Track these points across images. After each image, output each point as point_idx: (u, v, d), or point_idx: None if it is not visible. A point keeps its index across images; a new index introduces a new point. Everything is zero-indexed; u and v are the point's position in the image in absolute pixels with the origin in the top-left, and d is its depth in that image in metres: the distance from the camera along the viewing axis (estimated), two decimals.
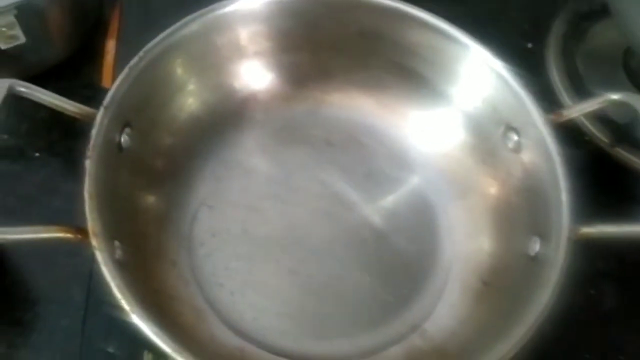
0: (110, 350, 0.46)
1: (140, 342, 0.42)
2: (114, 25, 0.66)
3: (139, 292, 0.39)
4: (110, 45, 0.65)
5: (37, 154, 0.56)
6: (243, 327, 0.45)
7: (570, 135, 0.47)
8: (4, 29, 0.55)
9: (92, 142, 0.41)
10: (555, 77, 0.60)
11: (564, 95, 0.58)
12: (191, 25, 0.47)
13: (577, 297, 0.47)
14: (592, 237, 0.42)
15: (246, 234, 0.49)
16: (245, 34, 0.50)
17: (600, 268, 0.51)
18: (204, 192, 0.50)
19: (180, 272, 0.47)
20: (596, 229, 0.42)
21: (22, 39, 0.56)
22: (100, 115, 0.42)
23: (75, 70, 0.63)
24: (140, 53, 0.44)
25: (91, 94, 0.61)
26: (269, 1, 0.49)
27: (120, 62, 0.61)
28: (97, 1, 0.66)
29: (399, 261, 0.49)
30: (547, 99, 0.55)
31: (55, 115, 0.46)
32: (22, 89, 0.41)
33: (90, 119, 0.43)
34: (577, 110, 0.47)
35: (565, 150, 0.45)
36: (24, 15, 0.55)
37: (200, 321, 0.45)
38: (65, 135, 0.56)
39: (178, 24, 0.47)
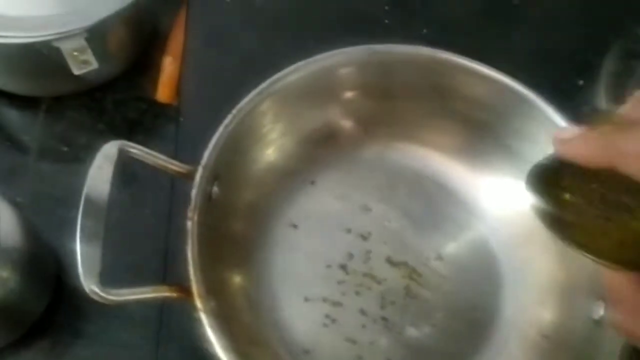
0: None
1: None
2: (172, 41, 0.67)
3: (228, 342, 0.41)
4: (168, 61, 0.66)
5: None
6: None
7: None
8: (75, 54, 0.56)
9: (193, 203, 0.42)
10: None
11: None
12: (287, 78, 0.49)
13: None
14: None
15: (320, 277, 0.51)
16: (337, 84, 0.53)
17: None
18: (281, 236, 0.52)
19: (260, 316, 0.49)
20: None
21: (94, 65, 0.56)
22: (199, 175, 0.43)
23: (129, 83, 0.64)
24: (234, 111, 0.46)
25: (146, 107, 0.63)
26: (361, 54, 0.52)
27: (185, 82, 0.64)
28: (155, 16, 0.66)
29: (460, 311, 0.51)
30: None
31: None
32: (132, 150, 0.42)
33: (189, 175, 0.44)
34: None
35: None
36: (92, 38, 0.55)
37: None
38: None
39: (271, 80, 0.48)
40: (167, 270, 0.52)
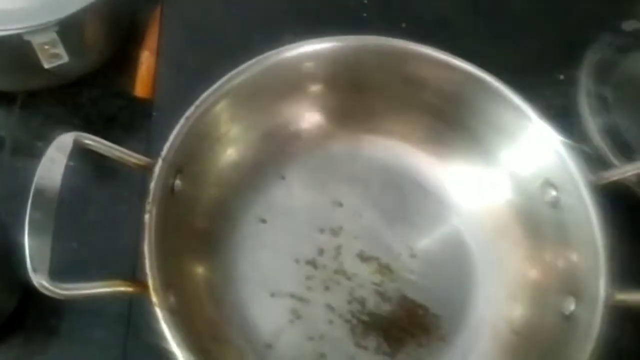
0: None
1: None
2: (149, 36, 0.66)
3: (188, 338, 0.40)
4: (145, 56, 0.65)
5: None
6: None
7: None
8: (46, 47, 0.55)
9: (151, 196, 0.41)
10: (587, 115, 0.59)
11: (593, 131, 0.58)
12: (249, 70, 0.48)
13: None
14: (627, 304, 0.43)
15: (287, 273, 0.51)
16: (300, 78, 0.52)
17: None
18: (249, 231, 0.51)
19: (223, 312, 0.48)
20: (631, 296, 0.43)
21: (65, 58, 0.56)
22: (158, 167, 0.42)
23: (107, 78, 0.64)
24: (197, 102, 0.45)
25: (122, 102, 0.63)
26: (327, 47, 0.51)
27: (159, 77, 0.63)
28: (132, 10, 0.66)
29: (432, 307, 0.50)
30: (575, 132, 0.56)
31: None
32: (88, 142, 0.41)
33: (148, 168, 0.43)
34: (621, 173, 0.47)
35: (607, 209, 0.45)
36: (64, 31, 0.55)
37: None
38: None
39: (234, 72, 0.47)
40: (138, 265, 0.52)
